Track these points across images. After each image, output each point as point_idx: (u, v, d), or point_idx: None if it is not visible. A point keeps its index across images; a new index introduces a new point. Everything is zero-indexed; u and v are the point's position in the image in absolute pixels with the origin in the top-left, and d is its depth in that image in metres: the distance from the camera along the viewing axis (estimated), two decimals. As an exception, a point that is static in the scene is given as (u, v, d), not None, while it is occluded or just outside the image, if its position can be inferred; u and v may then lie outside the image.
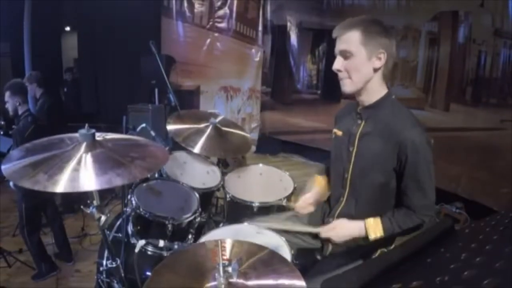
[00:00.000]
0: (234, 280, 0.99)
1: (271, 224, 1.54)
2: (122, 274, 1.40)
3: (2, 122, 3.56)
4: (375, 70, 1.29)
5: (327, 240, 1.44)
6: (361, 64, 1.27)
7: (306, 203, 1.61)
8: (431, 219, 1.32)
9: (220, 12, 5.47)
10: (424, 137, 1.27)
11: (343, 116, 1.52)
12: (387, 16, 4.08)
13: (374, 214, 1.38)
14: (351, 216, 1.43)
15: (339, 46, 1.28)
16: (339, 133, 1.48)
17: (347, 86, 1.32)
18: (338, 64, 1.29)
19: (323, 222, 1.57)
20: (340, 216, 1.48)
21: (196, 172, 2.20)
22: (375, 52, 1.26)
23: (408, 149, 1.24)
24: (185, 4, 5.55)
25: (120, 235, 1.73)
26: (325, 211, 1.61)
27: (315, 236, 1.51)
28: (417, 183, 1.28)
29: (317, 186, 1.66)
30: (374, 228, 1.32)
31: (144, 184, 1.85)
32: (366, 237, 1.33)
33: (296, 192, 2.02)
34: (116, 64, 5.59)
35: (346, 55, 1.27)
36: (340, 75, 1.31)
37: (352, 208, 1.44)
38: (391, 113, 1.32)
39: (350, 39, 1.25)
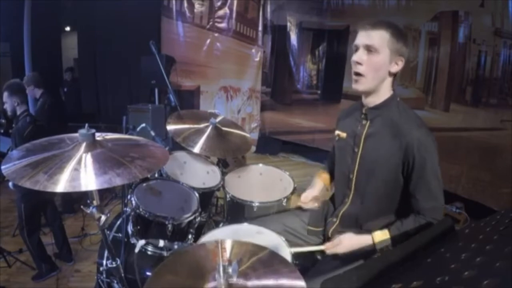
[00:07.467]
0: (234, 281, 0.99)
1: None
2: (122, 274, 1.40)
3: (3, 120, 3.56)
4: (390, 74, 1.32)
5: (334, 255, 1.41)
6: (381, 64, 1.28)
7: (309, 197, 1.63)
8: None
9: (220, 12, 5.47)
10: (431, 138, 1.27)
11: (345, 117, 1.52)
12: (387, 16, 4.08)
13: (380, 214, 1.38)
14: (356, 216, 1.43)
15: (366, 40, 1.27)
16: (343, 135, 1.48)
17: (361, 85, 1.31)
18: (361, 57, 1.29)
19: (326, 221, 1.58)
20: (345, 216, 1.48)
21: (196, 172, 2.20)
22: (395, 57, 1.28)
23: (416, 149, 1.24)
24: (185, 4, 5.55)
25: (120, 235, 1.73)
26: (329, 210, 1.61)
27: (322, 251, 1.47)
28: (425, 185, 1.27)
29: (320, 181, 1.68)
30: (381, 239, 1.29)
31: (144, 184, 1.85)
32: (373, 248, 1.31)
33: (296, 192, 2.02)
34: (116, 64, 5.60)
35: (370, 50, 1.27)
36: (358, 68, 1.30)
37: (357, 208, 1.44)
38: (397, 113, 1.32)
39: (379, 36, 1.26)
